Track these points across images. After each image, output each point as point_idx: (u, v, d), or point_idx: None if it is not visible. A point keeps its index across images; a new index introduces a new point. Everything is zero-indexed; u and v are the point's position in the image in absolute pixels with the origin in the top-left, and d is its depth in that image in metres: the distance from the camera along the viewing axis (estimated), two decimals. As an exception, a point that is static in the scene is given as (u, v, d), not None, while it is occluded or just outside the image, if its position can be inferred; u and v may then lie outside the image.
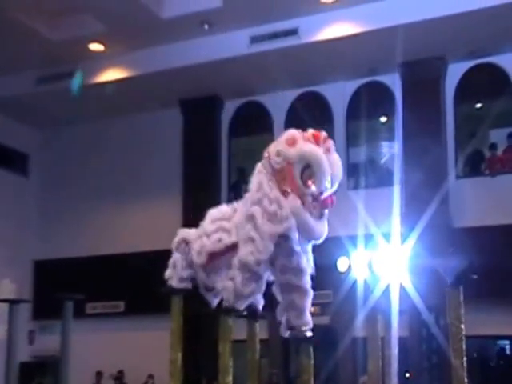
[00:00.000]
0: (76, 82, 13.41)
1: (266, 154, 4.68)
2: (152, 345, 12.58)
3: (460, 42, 11.98)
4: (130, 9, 11.89)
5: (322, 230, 4.50)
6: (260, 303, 5.06)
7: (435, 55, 12.30)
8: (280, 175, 4.54)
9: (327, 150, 4.51)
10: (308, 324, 4.74)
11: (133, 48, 13.14)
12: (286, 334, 4.81)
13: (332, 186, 4.49)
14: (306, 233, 4.49)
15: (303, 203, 4.42)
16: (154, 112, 14.73)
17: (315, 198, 4.44)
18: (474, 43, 11.99)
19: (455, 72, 12.72)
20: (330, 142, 4.59)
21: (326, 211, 4.51)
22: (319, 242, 4.58)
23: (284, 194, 4.49)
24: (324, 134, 4.60)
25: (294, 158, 4.46)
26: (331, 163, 4.46)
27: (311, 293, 4.76)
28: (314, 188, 4.43)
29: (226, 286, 4.73)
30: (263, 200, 4.58)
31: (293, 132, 4.62)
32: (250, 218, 4.64)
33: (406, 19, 11.37)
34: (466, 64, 12.65)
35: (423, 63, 12.31)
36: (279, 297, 4.79)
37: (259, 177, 4.68)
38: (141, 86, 13.58)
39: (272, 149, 4.63)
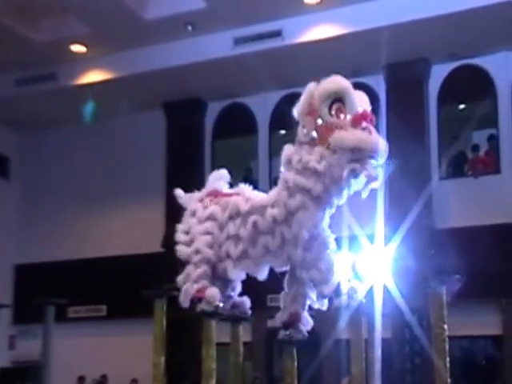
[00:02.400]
0: (89, 109, 13.45)
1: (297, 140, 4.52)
2: (135, 349, 12.50)
3: (443, 44, 12.04)
4: (112, 10, 11.82)
5: (383, 142, 4.23)
6: (247, 304, 5.00)
7: (419, 57, 12.35)
8: (314, 143, 4.34)
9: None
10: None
11: (115, 49, 13.05)
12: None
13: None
14: (367, 152, 4.14)
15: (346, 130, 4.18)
16: (137, 114, 14.65)
17: (353, 122, 4.22)
18: (457, 45, 12.05)
19: (438, 74, 12.78)
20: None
21: (374, 130, 4.25)
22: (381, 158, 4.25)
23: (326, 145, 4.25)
24: None
25: (315, 102, 4.30)
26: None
27: None
28: (348, 117, 4.23)
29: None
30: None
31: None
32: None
33: (390, 21, 11.41)
34: (449, 66, 12.71)
35: (407, 65, 12.36)
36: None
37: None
38: (123, 87, 13.49)
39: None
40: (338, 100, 4.31)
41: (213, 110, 14.50)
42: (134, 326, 13.10)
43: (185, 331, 11.72)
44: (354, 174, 4.23)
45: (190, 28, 12.37)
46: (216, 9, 11.77)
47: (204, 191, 5.22)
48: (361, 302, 4.36)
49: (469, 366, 12.82)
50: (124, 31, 12.46)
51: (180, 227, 5.11)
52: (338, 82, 4.38)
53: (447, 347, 4.09)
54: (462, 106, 13.68)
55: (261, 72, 13.03)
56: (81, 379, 13.94)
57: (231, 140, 14.68)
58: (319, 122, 4.35)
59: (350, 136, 4.18)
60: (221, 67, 12.77)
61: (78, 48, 13.14)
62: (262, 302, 12.92)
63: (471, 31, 11.55)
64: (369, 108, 4.43)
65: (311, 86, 4.49)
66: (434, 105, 12.83)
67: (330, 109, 4.30)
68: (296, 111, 4.48)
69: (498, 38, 11.89)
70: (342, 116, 4.28)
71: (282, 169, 4.59)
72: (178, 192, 5.36)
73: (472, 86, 12.74)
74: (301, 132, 4.46)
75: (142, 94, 13.83)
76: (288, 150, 4.54)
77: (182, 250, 4.95)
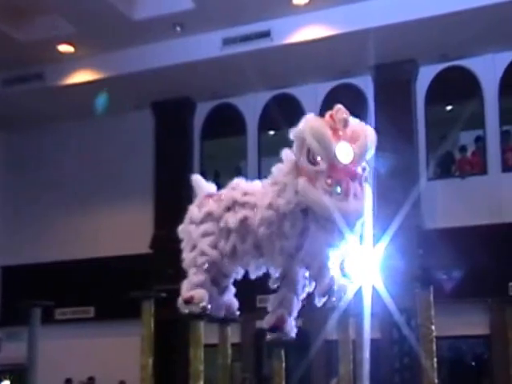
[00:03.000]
0: (101, 101, 13.35)
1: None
2: (123, 350, 12.45)
3: (431, 45, 12.07)
4: (100, 10, 11.76)
5: (350, 207, 4.00)
6: (235, 305, 4.98)
7: (407, 58, 12.38)
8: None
9: (343, 123, 4.19)
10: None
11: (104, 50, 13.00)
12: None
13: (356, 158, 4.09)
14: (321, 213, 4.00)
15: (313, 184, 4.00)
16: (125, 114, 14.59)
17: (329, 172, 4.00)
18: (444, 46, 12.09)
19: (426, 75, 12.82)
20: (342, 114, 4.27)
21: (355, 187, 4.04)
22: (356, 222, 4.09)
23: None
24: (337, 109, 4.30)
25: (296, 140, 4.16)
26: (347, 135, 4.13)
27: None
28: (322, 164, 4.02)
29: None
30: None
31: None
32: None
33: (378, 22, 11.44)
34: (437, 67, 12.75)
35: (395, 66, 12.39)
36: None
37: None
38: (112, 88, 13.43)
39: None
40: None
41: (202, 110, 14.47)
42: (121, 328, 13.03)
43: (173, 333, 11.69)
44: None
45: (178, 28, 12.34)
46: (204, 9, 11.75)
47: (199, 197, 5.16)
48: (349, 302, 4.35)
49: (458, 365, 12.86)
50: (112, 31, 12.41)
51: (181, 236, 5.07)
52: (301, 129, 4.17)
53: (434, 347, 4.10)
54: (449, 107, 13.73)
55: (249, 72, 13.01)
56: (68, 381, 13.86)
57: (220, 140, 14.67)
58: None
59: (314, 195, 4.01)
60: (209, 67, 12.74)
61: (65, 48, 13.07)
62: (251, 302, 12.91)
63: (459, 33, 11.60)
64: (366, 150, 4.22)
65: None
66: (421, 105, 12.87)
67: (308, 150, 4.11)
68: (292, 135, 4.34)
69: (485, 40, 11.95)
70: (318, 159, 4.05)
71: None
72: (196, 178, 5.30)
73: (459, 87, 12.79)
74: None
75: (131, 94, 13.78)
76: (288, 155, 4.43)
77: (185, 257, 4.93)
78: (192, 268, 4.84)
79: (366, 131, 4.30)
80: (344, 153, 4.11)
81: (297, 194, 4.11)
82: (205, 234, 4.82)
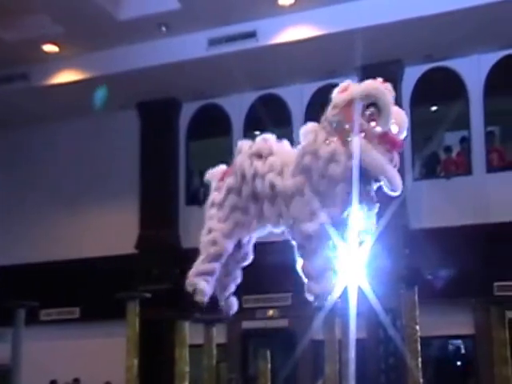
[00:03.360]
0: (100, 96, 13.23)
1: (322, 120, 4.33)
2: (108, 351, 12.36)
3: (416, 46, 12.11)
4: (86, 10, 11.69)
5: (399, 177, 4.05)
6: (234, 305, 4.97)
7: (392, 59, 12.41)
8: (339, 130, 4.15)
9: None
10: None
11: (89, 49, 12.92)
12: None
13: (400, 132, 4.12)
14: (380, 174, 4.02)
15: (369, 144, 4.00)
16: (110, 114, 14.51)
17: (382, 138, 4.04)
18: (429, 47, 12.13)
19: (412, 75, 12.86)
20: (390, 87, 4.28)
21: (397, 157, 4.09)
22: (397, 193, 4.11)
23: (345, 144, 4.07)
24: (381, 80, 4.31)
25: (351, 97, 4.12)
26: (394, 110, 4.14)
27: None
28: (378, 128, 4.04)
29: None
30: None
31: (343, 83, 4.33)
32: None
33: (364, 23, 11.46)
34: (422, 67, 12.79)
35: (380, 66, 12.39)
36: None
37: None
38: (97, 88, 13.36)
39: (328, 108, 4.29)
40: (373, 105, 4.13)
41: (187, 111, 14.43)
42: (107, 329, 12.96)
43: (159, 333, 11.65)
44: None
45: (164, 29, 12.30)
46: (190, 10, 11.71)
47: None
48: (335, 302, 4.35)
49: (443, 365, 12.93)
50: (97, 31, 12.34)
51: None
52: (379, 87, 4.21)
53: (419, 347, 4.11)
54: (434, 108, 13.79)
55: (235, 73, 13.00)
56: (53, 383, 13.76)
57: (206, 140, 14.63)
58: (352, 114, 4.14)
59: (373, 154, 4.03)
60: (195, 68, 12.71)
61: (50, 48, 12.98)
62: (238, 303, 12.83)
63: (444, 34, 11.65)
64: (403, 133, 4.24)
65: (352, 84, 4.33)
66: (406, 106, 12.89)
67: (364, 109, 4.13)
68: (336, 96, 4.30)
69: (469, 41, 12.00)
70: (372, 124, 4.10)
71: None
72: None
73: (444, 87, 12.84)
74: (330, 112, 4.29)
75: (116, 94, 13.69)
76: (310, 127, 4.41)
77: (201, 240, 4.91)
78: (203, 252, 4.85)
79: (402, 112, 4.38)
80: (393, 124, 4.18)
81: (349, 157, 4.04)
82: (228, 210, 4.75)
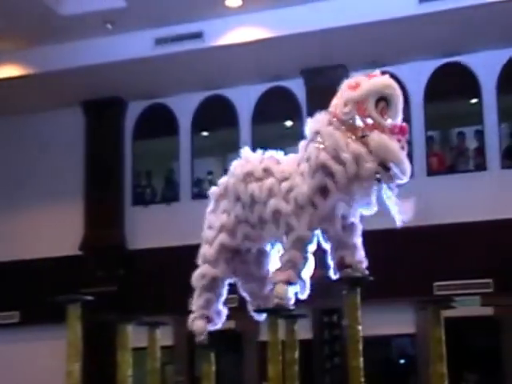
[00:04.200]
0: None
1: (331, 112, 4.45)
2: (50, 356, 12.13)
3: (361, 52, 12.26)
4: (26, 3, 11.41)
5: (408, 163, 4.38)
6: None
7: (337, 63, 12.57)
8: (352, 127, 4.32)
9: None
10: (364, 261, 4.66)
11: (30, 45, 12.57)
12: (338, 274, 4.55)
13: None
14: (398, 165, 4.32)
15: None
16: (53, 112, 14.19)
17: (392, 129, 4.30)
18: (374, 53, 12.30)
19: (356, 80, 13.02)
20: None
21: (405, 144, 4.36)
22: (406, 179, 4.49)
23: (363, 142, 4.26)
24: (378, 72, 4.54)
25: (365, 94, 4.31)
26: None
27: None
28: (389, 121, 4.30)
29: None
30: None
31: (349, 80, 4.51)
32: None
33: (310, 27, 11.55)
34: (366, 72, 12.96)
35: (326, 70, 12.55)
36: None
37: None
38: (39, 84, 13.07)
39: (336, 104, 4.43)
40: (383, 99, 4.33)
41: (134, 110, 14.27)
42: (49, 333, 12.67)
43: (102, 336, 11.49)
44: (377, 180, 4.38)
45: (109, 26, 12.14)
46: (136, 8, 11.60)
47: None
48: (280, 303, 4.40)
49: (386, 364, 13.16)
50: (39, 26, 12.04)
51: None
52: (390, 83, 4.42)
53: (361, 347, 4.17)
54: (379, 111, 14.03)
55: (182, 73, 12.96)
56: (-8, 388, 13.44)
57: (152, 141, 14.50)
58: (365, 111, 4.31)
59: (391, 145, 4.25)
60: (141, 67, 12.60)
61: (-11, 42, 12.67)
62: (184, 304, 12.80)
63: (387, 41, 11.87)
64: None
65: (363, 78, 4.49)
66: (349, 110, 13.09)
67: (375, 105, 4.32)
68: (351, 95, 4.41)
69: (410, 48, 12.24)
70: (385, 117, 4.32)
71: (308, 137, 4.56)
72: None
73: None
74: (341, 109, 4.40)
75: (59, 91, 13.41)
76: (320, 121, 4.51)
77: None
78: (196, 287, 4.86)
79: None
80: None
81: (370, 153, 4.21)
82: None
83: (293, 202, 4.44)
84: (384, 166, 4.30)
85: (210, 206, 4.99)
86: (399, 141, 4.36)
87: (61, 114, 14.27)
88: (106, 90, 13.41)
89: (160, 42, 12.29)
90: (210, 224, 4.88)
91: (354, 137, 4.31)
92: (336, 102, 4.48)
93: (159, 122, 14.18)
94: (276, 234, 4.58)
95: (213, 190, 5.01)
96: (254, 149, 15.30)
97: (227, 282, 4.91)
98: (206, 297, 4.79)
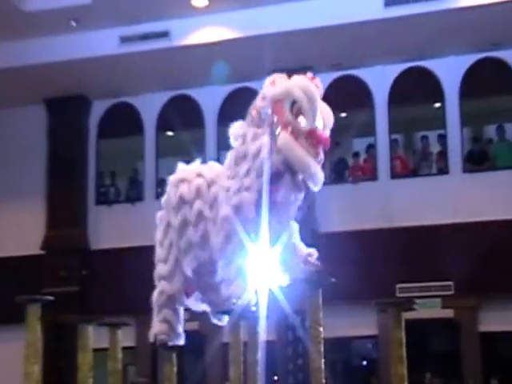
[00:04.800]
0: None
1: (251, 110, 4.39)
2: (8, 358, 11.89)
3: (326, 54, 12.33)
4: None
5: (320, 173, 4.16)
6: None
7: (303, 65, 12.59)
8: (270, 123, 4.22)
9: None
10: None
11: (-7, 40, 12.42)
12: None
13: (326, 129, 4.25)
14: (302, 171, 4.13)
15: (295, 139, 4.10)
16: (15, 109, 13.98)
17: (308, 134, 4.13)
18: (339, 56, 12.40)
19: (322, 82, 13.09)
20: (319, 82, 4.38)
21: (322, 154, 4.19)
22: (317, 189, 4.24)
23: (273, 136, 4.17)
24: (310, 74, 4.40)
25: (281, 94, 4.19)
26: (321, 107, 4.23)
27: None
28: (304, 124, 4.13)
29: None
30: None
31: (273, 76, 4.38)
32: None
33: (276, 28, 11.60)
34: (331, 75, 13.06)
35: (292, 72, 12.57)
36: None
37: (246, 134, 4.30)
38: (1, 81, 12.86)
39: (256, 101, 4.36)
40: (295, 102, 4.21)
41: (98, 109, 14.14)
42: (7, 333, 12.49)
43: (63, 337, 11.37)
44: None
45: (73, 23, 12.00)
46: (101, 5, 11.50)
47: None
48: (243, 304, 4.39)
49: (349, 365, 13.26)
50: (2, 22, 11.83)
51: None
52: (305, 87, 4.23)
53: (322, 349, 4.19)
54: (343, 114, 14.12)
55: (148, 72, 12.88)
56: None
57: (117, 140, 14.39)
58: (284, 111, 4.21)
59: (297, 149, 4.11)
60: (106, 65, 12.48)
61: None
62: (147, 305, 12.68)
63: (352, 44, 11.97)
64: (328, 130, 4.36)
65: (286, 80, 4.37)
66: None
67: (291, 106, 4.19)
68: (269, 91, 4.33)
69: (375, 53, 12.37)
70: (300, 119, 4.17)
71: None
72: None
73: (352, 95, 13.16)
74: (259, 103, 4.36)
75: (21, 88, 13.20)
76: (238, 127, 4.46)
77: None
78: (155, 306, 4.76)
79: (328, 109, 4.46)
80: (320, 120, 4.26)
81: (277, 152, 4.12)
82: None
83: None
84: (289, 168, 4.18)
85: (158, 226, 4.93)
86: (314, 147, 4.19)
87: (23, 112, 14.06)
88: (70, 88, 13.26)
89: (125, 40, 12.19)
90: (159, 242, 4.83)
91: (265, 133, 4.26)
92: (258, 97, 4.44)
93: (124, 121, 14.07)
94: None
95: (158, 214, 4.93)
96: (219, 149, 15.37)
97: (184, 298, 4.85)
98: (164, 314, 4.72)
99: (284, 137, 4.14)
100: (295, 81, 4.29)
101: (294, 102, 4.18)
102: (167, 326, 4.70)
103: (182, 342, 4.76)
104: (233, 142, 4.51)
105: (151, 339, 4.74)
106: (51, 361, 12.02)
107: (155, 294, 4.77)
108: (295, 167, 4.17)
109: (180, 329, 4.79)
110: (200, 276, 4.68)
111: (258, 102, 4.37)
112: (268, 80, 4.43)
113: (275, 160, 4.18)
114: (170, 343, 4.66)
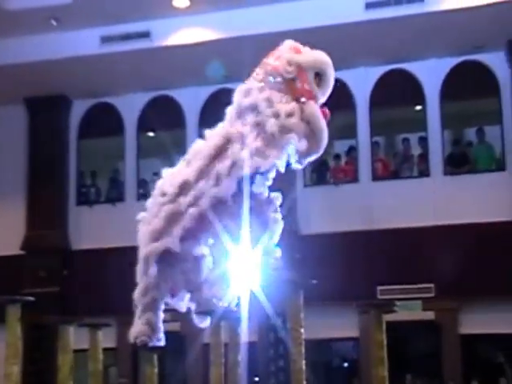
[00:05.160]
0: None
1: (266, 68, 4.46)
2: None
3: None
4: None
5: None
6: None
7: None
8: (290, 85, 4.37)
9: None
10: None
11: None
12: None
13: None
14: (320, 142, 4.38)
15: None
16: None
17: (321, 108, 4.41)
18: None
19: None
20: None
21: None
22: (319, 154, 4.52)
23: (299, 102, 4.33)
24: None
25: (308, 64, 4.38)
26: None
27: None
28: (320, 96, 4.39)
29: None
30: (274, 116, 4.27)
31: (292, 42, 4.56)
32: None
33: (257, 30, 11.54)
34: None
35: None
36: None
37: (262, 94, 4.36)
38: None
39: (276, 60, 4.45)
40: (318, 75, 4.42)
41: (79, 109, 14.05)
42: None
43: (43, 338, 11.28)
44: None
45: (54, 22, 11.91)
46: (82, 5, 11.40)
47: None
48: (225, 305, 4.39)
49: (331, 366, 13.29)
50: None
51: None
52: (329, 61, 4.49)
53: (303, 350, 4.19)
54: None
55: (129, 72, 12.82)
56: None
57: (98, 140, 14.31)
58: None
59: (322, 120, 4.34)
60: (87, 65, 12.39)
61: None
62: (128, 306, 12.63)
63: (333, 45, 11.71)
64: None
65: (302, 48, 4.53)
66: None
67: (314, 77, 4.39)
68: (298, 58, 4.46)
69: (357, 54, 12.34)
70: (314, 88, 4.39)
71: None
72: None
73: (333, 97, 13.19)
74: (284, 66, 4.43)
75: (2, 87, 13.08)
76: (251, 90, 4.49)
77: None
78: (138, 305, 4.69)
79: None
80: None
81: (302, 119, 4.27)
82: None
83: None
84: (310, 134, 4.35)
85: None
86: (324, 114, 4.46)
87: (3, 111, 13.94)
88: (50, 88, 13.16)
89: (106, 40, 12.12)
90: (142, 241, 4.74)
91: (290, 97, 4.36)
92: (274, 59, 4.51)
93: (105, 121, 13.99)
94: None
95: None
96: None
97: (169, 298, 4.79)
98: (147, 316, 4.66)
99: (314, 106, 4.35)
100: (320, 54, 4.51)
101: (317, 74, 4.39)
102: (149, 327, 4.65)
103: (162, 343, 4.70)
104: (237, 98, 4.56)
105: (131, 340, 4.67)
106: (31, 362, 11.93)
107: (139, 292, 4.70)
108: (316, 136, 4.37)
109: (161, 330, 4.75)
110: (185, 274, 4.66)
111: (283, 66, 4.43)
112: (288, 45, 4.58)
113: (303, 127, 4.32)
114: (151, 344, 4.60)
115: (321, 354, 12.79)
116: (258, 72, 4.50)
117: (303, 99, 4.35)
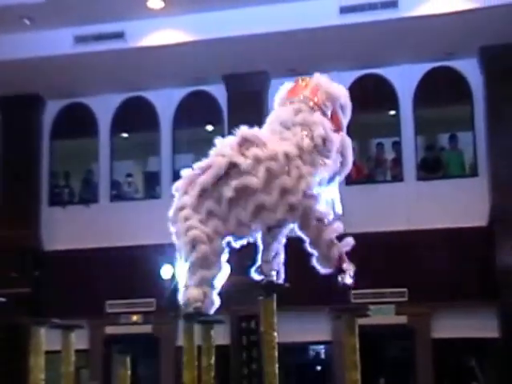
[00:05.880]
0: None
1: (305, 96, 4.89)
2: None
3: (282, 59, 12.34)
4: None
5: None
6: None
7: (259, 69, 12.64)
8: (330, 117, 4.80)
9: None
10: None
11: None
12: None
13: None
14: (344, 175, 5.00)
15: None
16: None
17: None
18: (295, 61, 12.45)
19: (276, 88, 13.10)
20: None
21: None
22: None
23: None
24: None
25: (340, 96, 4.89)
26: None
27: None
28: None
29: None
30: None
31: (321, 76, 5.03)
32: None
33: (232, 32, 11.59)
34: (285, 80, 13.06)
35: (247, 76, 12.61)
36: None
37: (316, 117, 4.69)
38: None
39: (313, 93, 4.86)
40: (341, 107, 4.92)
41: (52, 109, 13.94)
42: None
43: (14, 340, 11.14)
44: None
45: (27, 22, 11.78)
46: (56, 4, 11.30)
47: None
48: (197, 308, 4.37)
49: (304, 370, 13.30)
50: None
51: None
52: (348, 97, 4.99)
53: (276, 354, 4.19)
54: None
55: (103, 73, 12.74)
56: None
57: (71, 141, 14.20)
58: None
59: (351, 157, 4.90)
60: (61, 65, 12.28)
61: None
62: (100, 308, 12.54)
63: (308, 49, 12.00)
64: None
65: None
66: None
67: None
68: (335, 90, 4.96)
69: (331, 58, 12.35)
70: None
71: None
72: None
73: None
74: (324, 100, 4.84)
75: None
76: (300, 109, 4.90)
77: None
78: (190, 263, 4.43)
79: None
80: None
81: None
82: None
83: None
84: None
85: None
86: None
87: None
88: (23, 87, 13.02)
89: (80, 40, 12.02)
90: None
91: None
92: (313, 93, 4.90)
93: (78, 121, 13.90)
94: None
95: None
96: (174, 152, 15.25)
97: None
98: (200, 276, 4.35)
99: (349, 141, 4.84)
100: (342, 88, 5.08)
101: (341, 106, 4.90)
102: (201, 291, 4.33)
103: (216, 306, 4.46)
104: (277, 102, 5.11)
105: (182, 307, 4.38)
106: (2, 363, 11.79)
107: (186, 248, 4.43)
108: (343, 170, 4.92)
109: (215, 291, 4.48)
110: None
111: (322, 98, 4.84)
112: (325, 80, 5.07)
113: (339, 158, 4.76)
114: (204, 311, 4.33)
115: (294, 358, 12.80)
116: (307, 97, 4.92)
117: (342, 132, 4.80)
